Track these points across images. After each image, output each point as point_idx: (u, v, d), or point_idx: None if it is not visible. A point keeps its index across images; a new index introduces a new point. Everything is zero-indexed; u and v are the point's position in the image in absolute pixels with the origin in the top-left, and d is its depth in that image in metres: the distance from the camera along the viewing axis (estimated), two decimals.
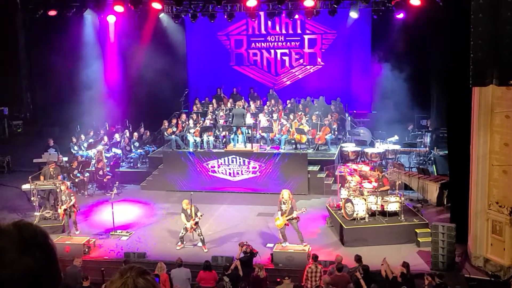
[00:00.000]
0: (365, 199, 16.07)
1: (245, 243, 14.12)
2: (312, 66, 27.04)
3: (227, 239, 16.49)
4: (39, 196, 18.23)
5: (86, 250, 15.69)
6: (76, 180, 20.93)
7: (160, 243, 16.36)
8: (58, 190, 17.30)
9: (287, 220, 15.11)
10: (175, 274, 13.12)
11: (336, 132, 22.73)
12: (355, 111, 25.66)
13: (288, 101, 25.37)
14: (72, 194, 16.59)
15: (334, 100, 25.12)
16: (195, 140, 22.13)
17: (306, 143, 22.05)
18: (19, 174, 21.80)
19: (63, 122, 24.83)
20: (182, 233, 15.74)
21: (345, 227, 15.86)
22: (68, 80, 25.07)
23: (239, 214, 18.69)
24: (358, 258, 13.19)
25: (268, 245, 15.77)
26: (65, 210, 16.52)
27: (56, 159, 21.14)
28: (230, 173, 20.80)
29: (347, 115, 24.54)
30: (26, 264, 1.99)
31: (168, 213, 18.69)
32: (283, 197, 15.26)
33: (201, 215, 15.62)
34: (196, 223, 15.57)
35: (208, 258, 14.64)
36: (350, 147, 22.03)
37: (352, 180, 16.88)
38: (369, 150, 21.74)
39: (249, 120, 21.93)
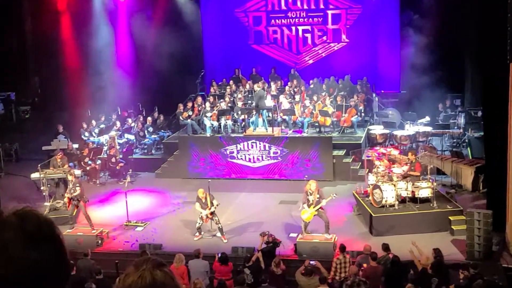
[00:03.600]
0: (394, 185, 15.99)
1: (267, 232, 14.12)
2: (336, 44, 26.86)
3: (247, 228, 16.54)
4: (49, 186, 18.41)
5: (99, 241, 15.83)
6: (88, 168, 21.10)
7: (177, 234, 16.46)
8: (68, 178, 17.41)
9: (315, 211, 15.05)
10: (192, 265, 13.19)
11: (362, 114, 22.60)
12: (382, 91, 25.49)
13: (311, 81, 25.25)
14: (77, 184, 16.44)
15: (360, 80, 24.97)
16: (212, 124, 22.16)
17: (331, 126, 21.98)
18: (28, 163, 22.00)
19: (73, 107, 24.99)
20: (199, 223, 15.81)
21: (374, 215, 15.82)
22: (78, 63, 25.20)
23: (260, 202, 18.72)
24: (385, 247, 13.13)
25: (292, 235, 15.76)
26: (69, 199, 16.47)
27: (66, 146, 21.30)
28: (249, 159, 20.83)
29: (374, 95, 24.39)
30: (32, 259, 1.95)
31: (184, 202, 18.79)
32: (310, 188, 15.14)
33: (217, 205, 15.65)
34: (212, 213, 15.61)
35: (228, 248, 14.70)
36: (377, 130, 21.91)
37: (380, 165, 16.80)
38: (398, 132, 21.60)
39: (269, 102, 21.89)
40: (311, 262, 12.75)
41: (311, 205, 15.04)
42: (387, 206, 15.95)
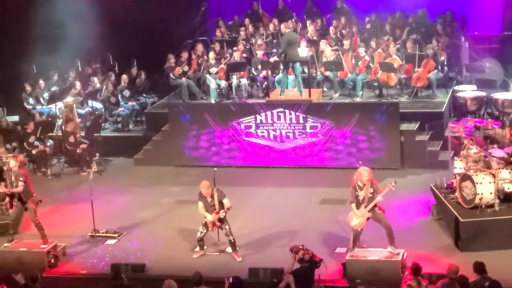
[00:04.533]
0: (493, 175, 15.93)
1: (301, 247, 14.18)
2: None
3: (272, 241, 16.60)
4: None
5: (53, 261, 15.92)
6: (34, 151, 21.17)
7: (167, 249, 16.55)
8: (5, 168, 17.43)
9: (368, 212, 14.95)
10: None
11: (445, 68, 22.53)
12: (476, 33, 25.36)
13: (367, 19, 25.21)
14: (21, 178, 15.90)
15: (441, 16, 24.84)
16: (218, 85, 22.19)
17: (397, 87, 21.95)
18: None
19: (9, 60, 25.01)
20: (201, 232, 15.87)
21: (462, 220, 15.79)
22: None
23: (291, 201, 18.79)
24: (479, 268, 13.09)
25: (338, 250, 15.81)
26: (10, 196, 16.22)
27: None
28: (275, 137, 20.86)
29: (463, 39, 24.26)
30: None
31: (178, 202, 18.90)
32: (359, 179, 14.99)
33: (228, 207, 15.65)
34: (221, 219, 15.63)
35: (244, 271, 14.78)
36: (468, 92, 21.83)
37: (472, 145, 16.76)
38: (499, 95, 21.50)
39: (304, 51, 21.84)
40: None
41: (361, 205, 14.91)
42: (483, 206, 15.91)
